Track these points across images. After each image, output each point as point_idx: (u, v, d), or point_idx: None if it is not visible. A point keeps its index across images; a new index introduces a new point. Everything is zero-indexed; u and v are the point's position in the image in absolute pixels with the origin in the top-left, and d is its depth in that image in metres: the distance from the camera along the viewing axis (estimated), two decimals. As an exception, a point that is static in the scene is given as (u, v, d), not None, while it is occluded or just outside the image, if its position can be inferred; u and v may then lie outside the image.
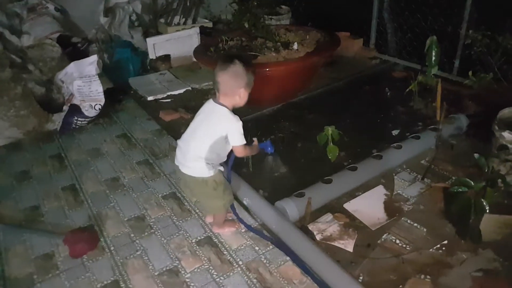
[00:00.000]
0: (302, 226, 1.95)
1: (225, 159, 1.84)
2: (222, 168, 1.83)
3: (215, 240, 1.95)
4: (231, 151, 1.82)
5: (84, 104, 2.95)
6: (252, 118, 3.02)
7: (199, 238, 1.97)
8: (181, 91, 3.55)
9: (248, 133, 2.63)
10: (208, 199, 1.88)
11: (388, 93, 3.34)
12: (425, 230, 1.93)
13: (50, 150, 2.82)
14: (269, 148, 2.19)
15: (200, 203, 2.12)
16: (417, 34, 3.68)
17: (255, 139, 1.97)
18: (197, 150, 1.72)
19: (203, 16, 4.80)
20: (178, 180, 2.39)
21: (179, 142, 1.82)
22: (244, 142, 1.76)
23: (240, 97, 1.74)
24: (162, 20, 4.60)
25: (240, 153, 1.80)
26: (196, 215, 2.13)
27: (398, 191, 2.21)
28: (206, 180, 1.77)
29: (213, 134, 1.71)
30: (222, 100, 1.74)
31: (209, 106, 1.78)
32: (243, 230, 1.99)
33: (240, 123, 1.73)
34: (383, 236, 1.90)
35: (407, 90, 2.96)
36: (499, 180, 1.85)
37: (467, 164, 2.34)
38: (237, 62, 1.69)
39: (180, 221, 2.09)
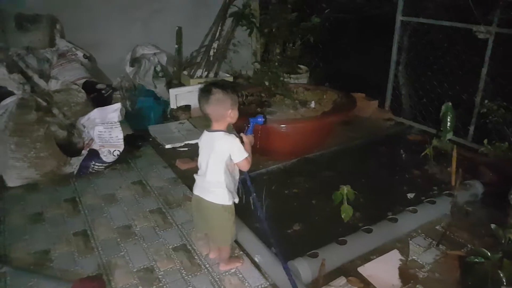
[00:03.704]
0: (314, 289, 1.90)
1: (237, 181, 1.96)
2: (237, 200, 1.95)
3: (224, 298, 1.90)
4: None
5: (103, 150, 3.02)
6: (267, 172, 3.04)
7: (207, 295, 1.92)
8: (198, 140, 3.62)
9: (263, 185, 2.62)
10: (221, 228, 1.97)
11: (403, 156, 3.35)
12: (441, 301, 1.86)
13: (66, 193, 2.84)
14: (260, 120, 2.10)
15: (212, 234, 2.08)
16: (432, 99, 3.77)
17: (242, 134, 1.96)
18: (216, 177, 1.87)
19: (224, 70, 4.97)
20: (189, 231, 2.38)
21: (199, 177, 1.95)
22: (246, 155, 1.86)
23: (231, 117, 1.88)
24: (185, 72, 4.77)
25: (245, 166, 1.89)
26: (205, 270, 2.08)
27: (413, 257, 2.16)
28: (226, 207, 1.90)
29: (222, 158, 1.84)
30: (217, 127, 1.89)
31: (206, 138, 1.91)
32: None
33: (237, 139, 1.86)
34: (399, 306, 1.84)
35: (423, 154, 2.98)
36: (517, 253, 1.81)
37: (483, 233, 2.30)
38: (215, 90, 1.82)
39: (189, 276, 2.04)
